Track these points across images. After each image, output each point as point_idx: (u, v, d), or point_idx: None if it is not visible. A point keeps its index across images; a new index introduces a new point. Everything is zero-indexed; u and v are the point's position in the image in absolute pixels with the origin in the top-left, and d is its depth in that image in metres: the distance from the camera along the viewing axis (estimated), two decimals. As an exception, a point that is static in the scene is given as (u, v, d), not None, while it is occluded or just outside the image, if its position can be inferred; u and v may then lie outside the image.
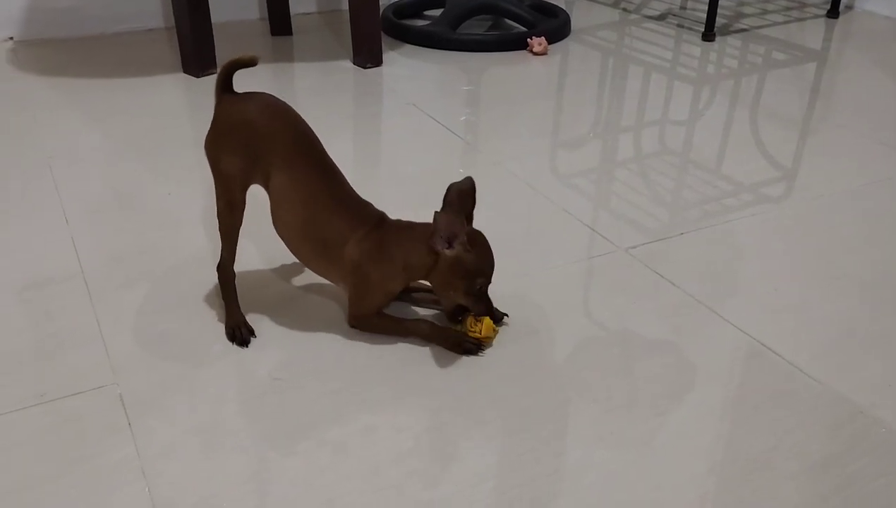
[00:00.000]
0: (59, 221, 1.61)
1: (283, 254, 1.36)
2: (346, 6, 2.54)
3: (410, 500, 1.02)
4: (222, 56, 1.30)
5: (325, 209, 1.26)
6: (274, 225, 1.29)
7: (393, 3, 2.95)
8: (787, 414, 1.17)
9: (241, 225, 1.30)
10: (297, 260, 1.35)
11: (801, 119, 2.28)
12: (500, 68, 2.59)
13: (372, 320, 1.30)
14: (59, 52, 2.58)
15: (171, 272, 1.46)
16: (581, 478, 1.06)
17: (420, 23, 2.87)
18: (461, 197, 1.23)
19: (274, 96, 1.27)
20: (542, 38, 2.68)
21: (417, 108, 2.23)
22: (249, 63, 1.21)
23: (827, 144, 2.11)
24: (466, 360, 1.26)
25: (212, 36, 2.38)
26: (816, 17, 3.20)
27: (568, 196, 1.79)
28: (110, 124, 2.09)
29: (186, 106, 2.29)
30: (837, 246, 1.62)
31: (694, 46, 2.83)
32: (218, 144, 1.25)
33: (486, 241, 1.24)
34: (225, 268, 1.32)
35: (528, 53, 2.68)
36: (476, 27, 2.85)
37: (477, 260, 1.21)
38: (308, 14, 3.03)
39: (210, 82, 1.26)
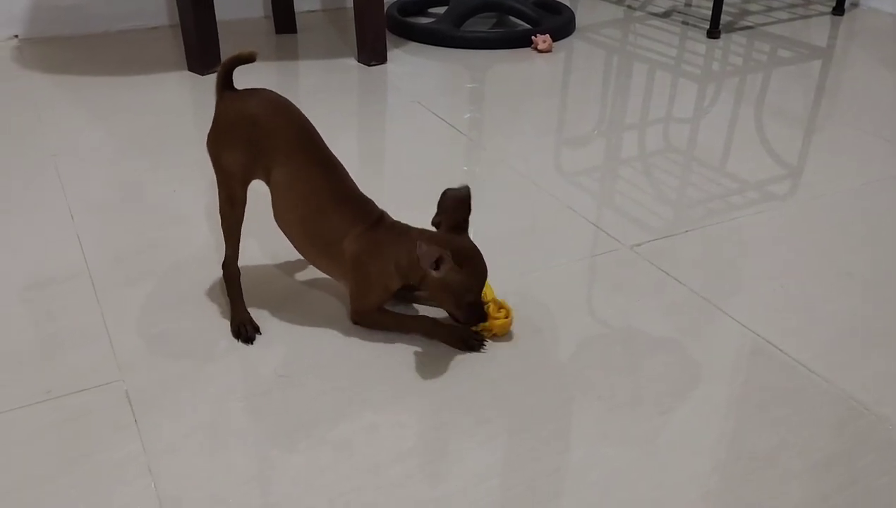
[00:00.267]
0: (64, 218, 1.61)
1: (286, 251, 1.37)
2: (350, 4, 2.54)
3: (412, 498, 1.02)
4: (226, 54, 1.30)
5: (324, 205, 1.25)
6: (276, 220, 1.29)
7: (397, 1, 2.95)
8: (791, 412, 1.17)
9: (242, 221, 1.30)
10: (301, 257, 1.36)
11: (806, 117, 2.27)
12: (505, 66, 2.59)
13: (374, 316, 1.30)
14: (64, 49, 2.58)
15: (175, 269, 1.47)
16: (584, 476, 1.06)
17: (424, 20, 2.87)
18: (455, 204, 1.22)
19: (275, 92, 1.27)
20: (547, 35, 2.68)
21: (422, 106, 2.23)
22: (248, 59, 1.21)
23: (832, 142, 2.11)
24: (469, 358, 1.26)
25: (216, 33, 2.38)
26: (822, 14, 3.19)
27: (572, 193, 1.79)
28: (115, 122, 2.09)
29: (191, 103, 2.30)
30: (843, 243, 1.62)
31: (699, 44, 2.83)
32: (219, 141, 1.26)
33: (477, 254, 1.22)
34: (229, 265, 1.32)
35: (532, 51, 2.68)
36: (480, 24, 2.85)
37: (465, 280, 1.19)
38: (312, 12, 3.03)
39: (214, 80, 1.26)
